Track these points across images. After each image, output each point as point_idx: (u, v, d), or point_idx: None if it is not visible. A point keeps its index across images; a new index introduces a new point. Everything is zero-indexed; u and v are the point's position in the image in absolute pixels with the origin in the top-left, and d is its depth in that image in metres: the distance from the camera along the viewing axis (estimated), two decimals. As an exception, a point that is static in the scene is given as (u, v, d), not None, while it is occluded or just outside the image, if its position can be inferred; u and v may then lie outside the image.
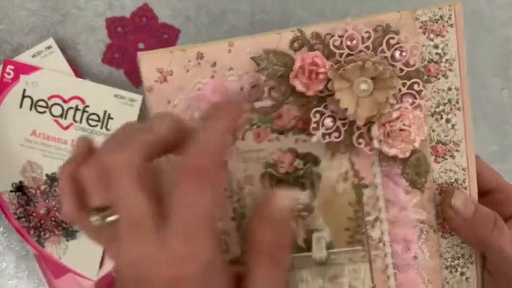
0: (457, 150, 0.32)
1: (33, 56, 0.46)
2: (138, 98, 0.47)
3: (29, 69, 0.46)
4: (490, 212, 0.31)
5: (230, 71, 0.31)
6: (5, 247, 0.49)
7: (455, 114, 0.31)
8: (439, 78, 0.31)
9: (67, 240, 0.48)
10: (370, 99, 0.29)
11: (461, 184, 0.32)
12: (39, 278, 0.49)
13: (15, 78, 0.46)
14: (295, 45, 0.31)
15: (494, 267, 0.31)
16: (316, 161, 0.32)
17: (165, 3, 0.48)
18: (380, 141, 0.30)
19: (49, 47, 0.46)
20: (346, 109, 0.29)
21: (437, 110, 0.31)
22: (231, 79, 0.31)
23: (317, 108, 0.30)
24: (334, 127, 0.30)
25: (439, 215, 0.32)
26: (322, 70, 0.29)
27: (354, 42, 0.29)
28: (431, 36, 0.30)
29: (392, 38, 0.29)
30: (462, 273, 0.33)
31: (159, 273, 0.23)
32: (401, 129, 0.30)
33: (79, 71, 0.48)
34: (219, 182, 0.26)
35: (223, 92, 0.32)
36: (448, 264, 0.33)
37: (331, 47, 0.30)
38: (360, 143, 0.30)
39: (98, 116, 0.47)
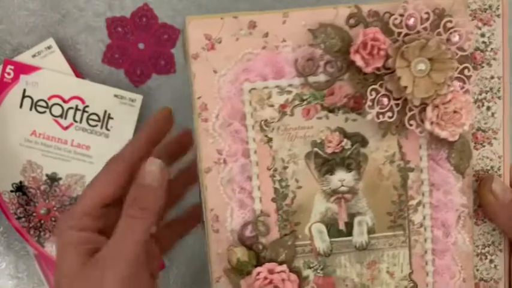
0: (495, 138, 0.32)
1: (33, 56, 0.46)
2: (138, 98, 0.47)
3: (29, 69, 0.46)
4: None
5: (283, 42, 0.30)
6: (5, 247, 0.48)
7: (495, 103, 0.32)
8: (483, 67, 0.32)
9: None
10: (426, 80, 0.29)
11: (496, 171, 0.33)
12: (39, 278, 0.48)
13: (15, 78, 0.46)
14: (352, 21, 0.30)
15: None
16: (364, 142, 0.31)
17: (165, 3, 0.48)
18: (432, 122, 0.30)
19: (49, 47, 0.46)
20: (405, 87, 0.29)
21: (479, 97, 0.32)
22: (285, 50, 0.30)
23: (374, 86, 0.30)
24: (388, 106, 0.30)
25: (475, 202, 0.33)
26: (383, 46, 0.29)
27: (413, 21, 0.29)
28: (480, 24, 0.31)
29: (450, 21, 0.30)
30: (491, 261, 0.33)
31: None
32: (454, 112, 0.30)
33: (79, 71, 0.47)
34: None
35: (276, 65, 0.30)
36: (478, 251, 0.33)
37: (391, 25, 0.29)
38: (411, 125, 0.30)
39: (98, 116, 0.47)
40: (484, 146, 0.32)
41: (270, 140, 0.31)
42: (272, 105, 0.31)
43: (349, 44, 0.30)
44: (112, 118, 0.46)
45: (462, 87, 0.31)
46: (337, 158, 0.31)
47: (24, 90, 0.46)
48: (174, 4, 0.47)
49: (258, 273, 0.30)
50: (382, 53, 0.29)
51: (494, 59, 0.32)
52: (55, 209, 0.47)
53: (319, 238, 0.32)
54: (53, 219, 0.47)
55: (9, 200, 0.47)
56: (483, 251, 0.33)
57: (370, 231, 0.32)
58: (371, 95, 0.30)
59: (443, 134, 0.30)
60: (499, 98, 0.32)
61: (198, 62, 0.30)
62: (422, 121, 0.30)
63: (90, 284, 0.30)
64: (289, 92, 0.30)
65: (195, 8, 0.49)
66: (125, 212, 0.31)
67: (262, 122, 0.31)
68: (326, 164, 0.31)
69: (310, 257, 0.32)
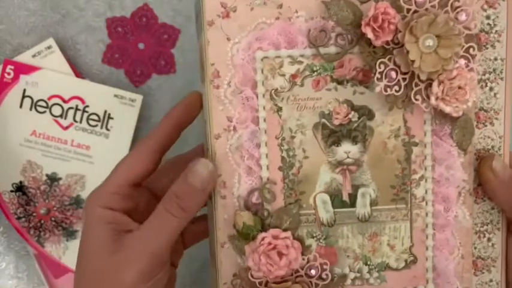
0: (496, 118, 0.33)
1: (33, 56, 0.46)
2: (138, 98, 0.47)
3: (29, 69, 0.46)
4: None
5: (296, 13, 0.31)
6: (5, 247, 0.48)
7: (498, 84, 0.33)
8: (487, 48, 0.33)
9: (67, 240, 0.47)
10: (433, 56, 0.30)
11: (497, 151, 0.34)
12: (39, 278, 0.48)
13: (15, 78, 0.46)
14: (363, -4, 0.31)
15: None
16: (371, 115, 0.32)
17: (165, 3, 0.48)
18: (437, 98, 0.31)
19: (49, 47, 0.46)
20: (413, 61, 0.30)
21: (483, 77, 0.33)
22: (299, 21, 0.31)
23: (382, 60, 0.31)
24: (396, 80, 0.31)
25: (475, 180, 0.33)
26: (393, 20, 0.30)
27: (423, -2, 0.30)
28: (485, 6, 0.32)
29: (457, 0, 0.31)
30: (489, 239, 0.34)
31: None
32: (459, 87, 0.31)
33: (79, 71, 0.47)
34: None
35: (289, 35, 0.31)
36: (477, 229, 0.34)
37: (400, 2, 0.30)
38: (417, 99, 0.31)
39: (98, 116, 0.47)
40: (486, 126, 0.33)
41: (279, 109, 0.32)
42: (283, 75, 0.31)
43: (360, 18, 0.31)
44: (112, 118, 0.47)
45: (467, 65, 0.32)
46: (343, 129, 0.32)
47: (24, 90, 0.46)
48: (174, 4, 0.48)
49: (263, 238, 0.31)
50: (392, 27, 0.30)
51: (498, 41, 0.33)
52: (55, 209, 0.47)
53: (323, 208, 0.32)
54: (53, 219, 0.47)
55: (9, 200, 0.46)
56: (482, 229, 0.34)
57: (373, 203, 0.33)
58: (379, 68, 0.31)
59: (447, 109, 0.31)
60: (501, 79, 0.33)
61: (212, 29, 0.31)
62: (428, 96, 0.31)
63: (113, 266, 0.30)
64: (300, 63, 0.31)
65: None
66: (164, 206, 0.31)
67: (273, 91, 0.31)
68: (333, 135, 0.32)
69: (314, 226, 0.33)
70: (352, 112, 0.32)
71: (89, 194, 0.33)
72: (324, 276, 0.32)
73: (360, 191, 0.33)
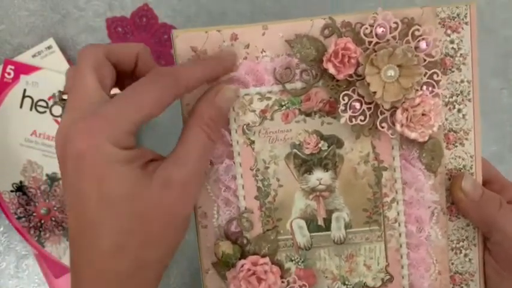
0: (466, 139, 0.34)
1: (34, 56, 0.46)
2: None
3: (29, 69, 0.46)
4: (496, 195, 0.34)
5: (263, 53, 0.33)
6: (6, 247, 0.49)
7: (466, 105, 0.34)
8: (453, 71, 0.34)
9: (67, 240, 0.47)
10: (396, 85, 0.31)
11: (468, 170, 0.35)
12: (39, 278, 0.49)
13: (16, 78, 0.46)
14: (326, 32, 0.33)
15: (496, 247, 0.34)
16: (339, 144, 0.34)
17: (165, 4, 0.48)
18: (402, 125, 0.32)
19: (49, 47, 0.46)
20: (374, 92, 0.31)
21: (450, 100, 0.34)
22: (264, 60, 0.33)
23: (346, 92, 0.32)
24: (361, 110, 0.32)
25: (448, 199, 0.35)
26: (353, 55, 0.31)
27: (383, 31, 0.32)
28: (449, 32, 0.33)
29: (418, 29, 0.32)
30: (466, 255, 0.35)
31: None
32: (422, 114, 0.32)
33: None
34: None
35: (256, 73, 0.33)
36: (453, 246, 0.35)
37: (361, 35, 0.32)
38: (383, 127, 0.32)
39: None
40: (456, 146, 0.34)
41: (252, 142, 0.33)
42: (253, 111, 0.33)
43: (323, 53, 0.32)
44: None
45: (431, 91, 0.33)
46: (314, 158, 0.34)
47: (25, 90, 0.46)
48: (174, 4, 0.48)
49: (242, 265, 0.33)
50: (353, 61, 0.31)
51: (463, 63, 0.34)
52: (55, 208, 0.47)
53: (299, 233, 0.34)
54: (53, 219, 0.47)
55: (10, 199, 0.47)
56: (458, 245, 0.35)
57: (347, 226, 0.34)
58: (343, 100, 0.32)
59: (412, 135, 0.32)
60: (469, 100, 0.34)
61: (185, 72, 0.33)
62: (393, 123, 0.32)
63: (166, 201, 0.27)
64: (269, 98, 0.33)
65: (195, 8, 0.49)
66: (197, 124, 0.29)
67: (245, 126, 0.33)
68: (304, 164, 0.34)
69: (292, 250, 0.34)
70: (322, 141, 0.34)
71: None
72: (304, 297, 0.34)
73: (334, 215, 0.34)
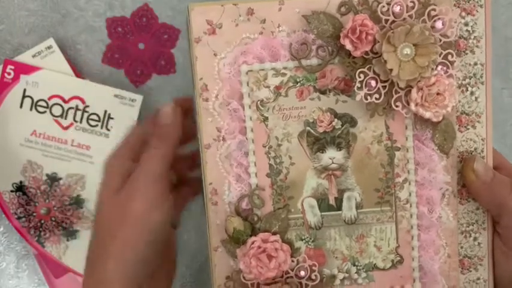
0: (478, 122, 0.34)
1: (34, 56, 0.46)
2: (138, 98, 0.47)
3: (29, 69, 0.46)
4: (507, 178, 0.34)
5: (279, 28, 0.33)
6: (6, 247, 0.48)
7: (478, 88, 0.34)
8: (467, 53, 0.34)
9: (67, 240, 0.47)
10: (412, 64, 0.31)
11: (480, 153, 0.35)
12: (39, 278, 0.49)
13: (16, 78, 0.46)
14: (343, 9, 0.32)
15: (506, 230, 0.34)
16: (353, 122, 0.33)
17: (165, 3, 0.48)
18: (417, 104, 0.32)
19: (49, 47, 0.46)
20: (391, 70, 0.31)
21: (463, 82, 0.34)
22: (281, 35, 0.32)
23: (362, 69, 0.32)
24: (376, 88, 0.32)
25: (459, 182, 0.35)
26: (371, 32, 0.31)
27: (400, 9, 0.32)
28: (463, 14, 0.33)
29: (434, 9, 0.32)
30: (475, 239, 0.35)
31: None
32: (437, 94, 0.32)
33: (79, 71, 0.48)
34: None
35: (272, 48, 0.33)
36: (463, 229, 0.35)
37: (378, 13, 0.32)
38: (397, 106, 0.32)
39: (98, 116, 0.47)
40: (468, 129, 0.34)
41: (265, 119, 0.33)
42: (268, 86, 0.33)
43: (339, 30, 0.32)
44: (112, 118, 0.47)
45: (446, 72, 0.33)
46: (327, 136, 0.33)
47: (25, 90, 0.46)
48: (174, 4, 0.48)
49: (253, 242, 0.32)
50: (370, 38, 0.31)
51: (477, 46, 0.34)
52: (55, 208, 0.47)
53: (310, 212, 0.34)
54: (53, 219, 0.47)
55: (10, 199, 0.46)
56: (467, 229, 0.35)
57: (359, 206, 0.34)
58: (359, 77, 0.32)
59: (427, 115, 0.32)
60: (482, 83, 0.34)
61: (200, 46, 0.33)
62: (407, 103, 0.32)
63: (123, 200, 0.33)
64: (284, 74, 0.33)
65: None
66: (148, 145, 0.35)
67: (259, 101, 0.33)
68: (317, 142, 0.33)
69: (302, 229, 0.34)
70: (336, 120, 0.33)
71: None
72: (313, 277, 0.34)
73: (346, 194, 0.34)
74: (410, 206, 0.34)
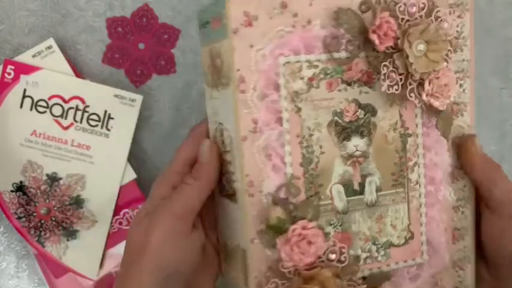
0: (465, 110, 0.40)
1: (34, 56, 0.46)
2: (138, 98, 0.47)
3: (29, 69, 0.46)
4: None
5: (310, 22, 0.34)
6: (6, 247, 0.48)
7: (466, 81, 0.39)
8: (457, 51, 0.39)
9: (67, 240, 0.47)
10: (424, 59, 0.35)
11: (466, 138, 0.40)
12: (39, 278, 0.49)
13: (16, 78, 0.46)
14: (363, 7, 0.35)
15: (497, 203, 0.38)
16: (374, 112, 0.36)
17: (165, 4, 0.48)
18: (428, 94, 0.36)
19: (49, 47, 0.46)
20: (411, 64, 0.35)
21: (455, 76, 0.39)
22: (315, 29, 0.34)
23: (385, 63, 0.35)
24: (395, 80, 0.35)
25: (453, 163, 0.39)
26: (394, 28, 0.34)
27: (415, 9, 0.35)
28: (454, 17, 0.38)
29: (439, 11, 0.36)
30: (463, 212, 0.40)
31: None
32: (444, 85, 0.36)
33: (79, 71, 0.48)
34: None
35: (307, 41, 0.34)
36: (454, 204, 0.40)
37: (397, 12, 0.35)
38: (411, 96, 0.36)
39: (98, 116, 0.47)
40: (458, 117, 0.39)
41: (299, 109, 0.34)
42: (302, 78, 0.34)
43: (364, 26, 0.35)
44: (112, 118, 0.47)
45: (445, 66, 0.37)
46: (352, 126, 0.36)
47: (25, 90, 0.45)
48: (174, 4, 0.48)
49: (294, 230, 0.33)
50: (392, 34, 0.34)
51: (465, 45, 0.39)
52: (55, 208, 0.47)
53: (338, 198, 0.36)
54: (53, 219, 0.47)
55: (10, 199, 0.46)
56: (457, 204, 0.40)
57: (378, 189, 0.37)
58: (383, 70, 0.35)
59: (436, 104, 0.36)
60: (468, 77, 0.39)
61: (237, 37, 0.32)
62: (419, 94, 0.36)
63: (143, 228, 0.34)
64: (316, 67, 0.34)
65: (195, 8, 0.49)
66: (185, 177, 0.36)
67: (293, 93, 0.34)
68: (344, 131, 0.36)
69: (331, 215, 0.36)
70: (359, 110, 0.36)
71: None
72: (342, 259, 0.36)
73: (368, 179, 0.37)
74: (420, 187, 0.38)
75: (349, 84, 0.35)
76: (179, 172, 0.37)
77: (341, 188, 0.36)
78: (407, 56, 0.34)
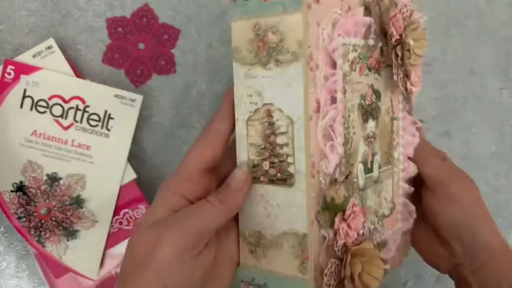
0: (411, 98, 0.48)
1: (34, 56, 0.46)
2: (138, 98, 0.47)
3: (29, 69, 0.46)
4: None
5: (354, 9, 0.36)
6: (6, 247, 0.48)
7: (412, 75, 0.47)
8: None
9: (67, 240, 0.47)
10: (413, 53, 0.41)
11: (411, 122, 0.48)
12: (39, 278, 0.48)
13: (16, 79, 0.45)
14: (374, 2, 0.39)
15: (428, 180, 0.47)
16: (380, 97, 0.40)
17: (165, 4, 0.48)
18: (411, 84, 0.42)
19: (49, 47, 0.46)
20: (411, 55, 0.40)
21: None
22: (358, 15, 0.36)
23: (396, 52, 0.39)
24: (397, 69, 0.40)
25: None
26: (401, 23, 0.39)
27: (406, 10, 0.41)
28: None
29: (416, 14, 0.43)
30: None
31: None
32: (418, 76, 0.43)
33: (79, 71, 0.48)
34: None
35: (354, 26, 0.35)
36: None
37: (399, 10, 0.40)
38: (401, 85, 0.42)
39: (98, 116, 0.47)
40: (408, 104, 0.47)
41: (345, 91, 0.35)
42: (348, 60, 0.35)
43: (380, 18, 0.38)
44: (112, 118, 0.46)
45: (413, 61, 0.44)
46: (369, 109, 0.39)
47: (25, 90, 0.45)
48: (174, 4, 0.48)
49: (352, 206, 0.34)
50: (401, 28, 0.39)
51: None
52: (55, 208, 0.46)
53: (360, 175, 0.39)
54: (53, 219, 0.47)
55: (10, 199, 0.46)
56: None
57: (379, 167, 0.41)
58: (394, 59, 0.39)
59: (414, 91, 0.43)
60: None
61: (310, 13, 0.32)
62: (405, 82, 0.42)
63: (152, 240, 0.31)
64: (356, 51, 0.36)
65: (195, 8, 0.49)
66: (206, 198, 0.33)
67: (343, 74, 0.35)
68: (365, 113, 0.38)
69: (356, 192, 0.38)
70: (373, 94, 0.39)
71: (164, 181, 0.34)
72: (364, 232, 0.38)
73: (375, 158, 0.40)
74: (399, 163, 0.44)
75: (370, 70, 0.38)
76: (191, 181, 0.34)
77: (362, 167, 0.39)
78: (408, 49, 0.40)
